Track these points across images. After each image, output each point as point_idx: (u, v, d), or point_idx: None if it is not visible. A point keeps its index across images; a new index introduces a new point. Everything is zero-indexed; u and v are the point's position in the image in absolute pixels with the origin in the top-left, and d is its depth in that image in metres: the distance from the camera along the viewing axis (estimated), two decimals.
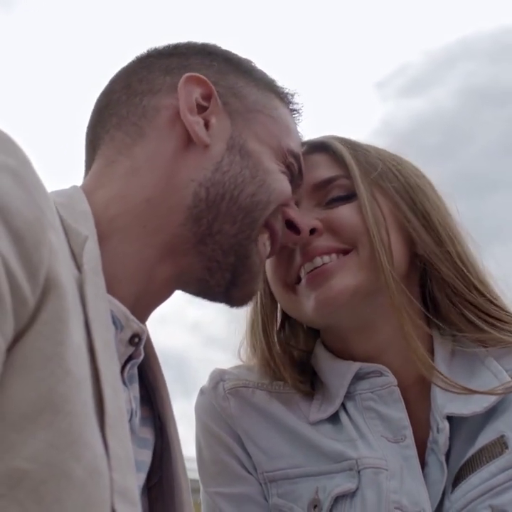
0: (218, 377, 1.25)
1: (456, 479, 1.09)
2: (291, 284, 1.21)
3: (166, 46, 1.09)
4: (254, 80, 1.09)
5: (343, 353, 1.22)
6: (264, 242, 1.04)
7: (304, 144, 1.25)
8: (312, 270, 1.16)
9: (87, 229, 0.83)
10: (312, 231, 1.16)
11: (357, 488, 1.08)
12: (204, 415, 1.24)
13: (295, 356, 1.30)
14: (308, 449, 1.16)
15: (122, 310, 0.86)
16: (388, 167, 1.22)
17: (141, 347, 0.91)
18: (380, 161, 1.22)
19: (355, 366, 1.18)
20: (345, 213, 1.18)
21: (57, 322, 0.65)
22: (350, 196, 1.19)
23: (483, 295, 1.17)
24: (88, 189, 0.94)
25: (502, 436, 1.08)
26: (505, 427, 1.09)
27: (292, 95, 1.15)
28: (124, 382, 0.88)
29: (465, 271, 1.17)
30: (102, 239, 0.85)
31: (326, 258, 1.16)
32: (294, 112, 1.15)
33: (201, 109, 1.00)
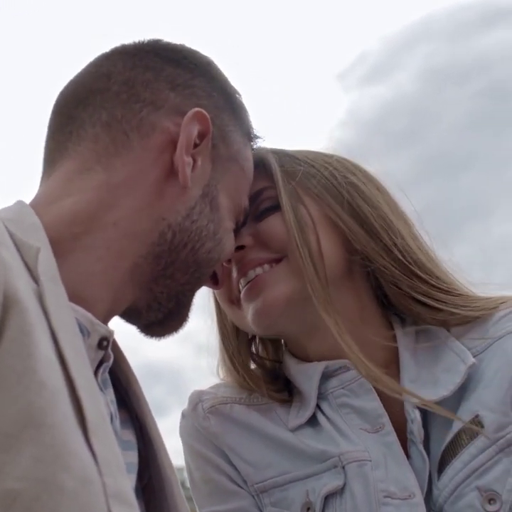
0: (196, 399, 1.27)
1: (440, 466, 1.10)
2: (236, 300, 1.22)
3: (175, 50, 1.03)
4: (239, 123, 1.08)
5: (306, 357, 1.24)
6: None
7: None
8: (247, 284, 1.19)
9: (39, 241, 0.81)
10: (240, 248, 1.18)
11: (344, 484, 1.10)
12: (188, 438, 1.26)
13: (268, 367, 1.32)
14: (293, 454, 1.17)
15: (86, 316, 0.85)
16: (315, 168, 1.23)
17: (109, 350, 0.89)
18: (306, 163, 1.23)
19: (321, 366, 1.19)
20: (272, 223, 1.19)
21: (23, 337, 0.65)
22: (277, 206, 1.20)
23: (425, 281, 1.18)
24: (50, 197, 0.91)
25: (476, 416, 1.09)
26: (477, 406, 1.10)
27: (258, 137, 1.16)
28: (100, 387, 0.87)
29: (403, 260, 1.18)
30: (61, 253, 0.83)
31: (259, 270, 1.18)
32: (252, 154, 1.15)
33: (193, 147, 0.97)
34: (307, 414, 1.19)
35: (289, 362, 1.26)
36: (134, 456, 0.92)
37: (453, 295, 1.19)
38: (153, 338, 1.07)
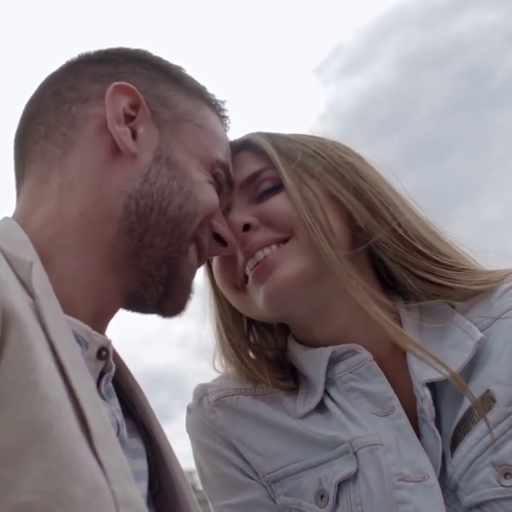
0: (201, 393, 1.26)
1: (453, 443, 1.09)
2: (241, 285, 1.21)
3: (97, 52, 1.07)
4: (184, 89, 1.08)
5: (313, 342, 1.23)
6: (193, 252, 1.05)
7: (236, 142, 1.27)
8: (255, 265, 1.17)
9: (29, 254, 0.82)
10: (247, 227, 1.17)
11: (357, 470, 1.09)
12: (196, 432, 1.25)
13: (270, 356, 1.31)
14: (303, 442, 1.16)
15: (83, 327, 0.86)
16: (311, 149, 1.23)
17: (111, 359, 0.91)
18: (302, 145, 1.23)
19: (328, 351, 1.18)
20: (277, 203, 1.19)
21: (23, 351, 0.66)
22: (278, 186, 1.20)
23: (427, 257, 1.18)
24: (24, 213, 0.94)
25: (488, 391, 1.08)
26: (488, 381, 1.09)
27: (222, 102, 1.15)
28: (103, 397, 0.88)
29: (404, 236, 1.17)
30: (45, 262, 0.83)
31: (267, 250, 1.17)
32: (224, 119, 1.16)
33: (129, 119, 0.99)
34: (315, 400, 1.18)
35: (294, 349, 1.25)
36: (143, 464, 0.92)
37: (456, 270, 1.18)
38: (174, 315, 1.06)
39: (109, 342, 0.90)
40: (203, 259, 1.09)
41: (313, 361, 1.20)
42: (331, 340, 1.20)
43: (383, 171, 1.27)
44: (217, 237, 1.11)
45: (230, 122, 1.17)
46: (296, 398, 1.22)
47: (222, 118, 1.15)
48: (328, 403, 1.18)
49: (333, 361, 1.19)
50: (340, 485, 1.09)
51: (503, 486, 1.02)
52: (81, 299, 0.90)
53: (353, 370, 1.17)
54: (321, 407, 1.19)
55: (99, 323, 0.94)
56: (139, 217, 0.96)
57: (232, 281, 1.22)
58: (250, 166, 1.23)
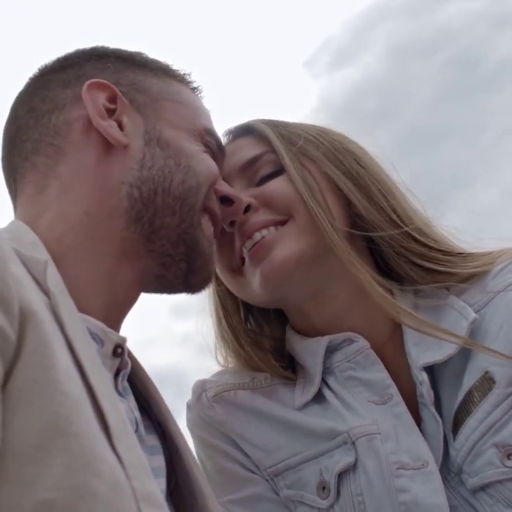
0: (200, 389, 1.25)
1: (455, 426, 1.08)
2: (237, 268, 1.21)
3: (57, 60, 1.07)
4: (151, 71, 1.09)
5: (310, 331, 1.22)
6: (207, 224, 1.05)
7: (228, 130, 1.29)
8: (253, 246, 1.17)
9: (43, 255, 0.83)
10: (247, 208, 1.17)
11: (356, 460, 1.08)
12: (196, 429, 1.24)
13: (267, 346, 1.30)
14: (302, 434, 1.15)
15: (98, 325, 0.87)
16: (312, 136, 1.23)
17: (126, 357, 0.91)
18: (303, 131, 1.24)
19: (325, 340, 1.18)
20: (277, 185, 1.19)
21: (42, 348, 0.66)
22: (279, 170, 1.20)
23: (423, 244, 1.17)
24: (28, 220, 0.94)
25: (486, 373, 1.07)
26: (486, 362, 1.08)
27: (189, 74, 1.15)
28: (121, 394, 0.89)
29: (400, 223, 1.17)
30: (56, 262, 0.84)
31: (265, 231, 1.17)
32: (196, 90, 1.16)
33: (110, 112, 1.00)
34: (313, 390, 1.18)
35: (292, 338, 1.25)
36: (161, 461, 0.93)
37: (451, 255, 1.18)
38: (201, 289, 1.07)
39: (124, 339, 0.91)
40: (218, 227, 1.10)
41: (310, 350, 1.20)
42: (327, 326, 1.19)
43: (382, 160, 1.27)
44: (224, 200, 1.12)
45: (202, 91, 1.17)
46: (294, 390, 1.21)
47: (194, 89, 1.15)
48: (327, 393, 1.17)
49: (330, 350, 1.18)
50: (341, 475, 1.09)
51: (506, 466, 1.01)
52: (94, 296, 0.91)
53: (350, 359, 1.17)
54: (319, 398, 1.18)
55: (115, 318, 0.95)
56: (145, 202, 0.96)
57: (229, 264, 1.22)
58: (251, 150, 1.23)
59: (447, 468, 1.08)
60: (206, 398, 1.23)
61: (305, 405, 1.18)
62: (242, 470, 1.19)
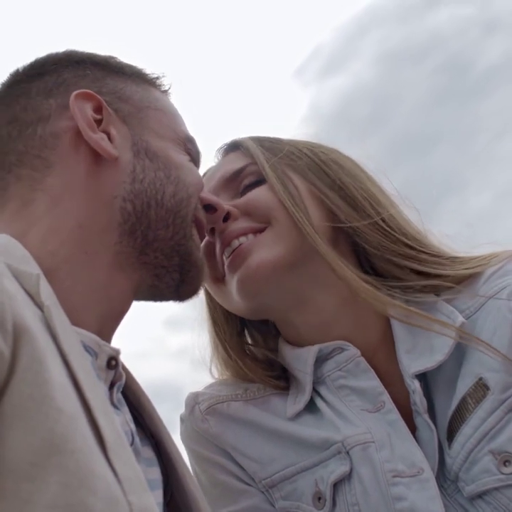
0: (193, 402, 1.24)
1: (450, 433, 1.07)
2: (221, 277, 1.21)
3: (31, 67, 1.05)
4: (129, 77, 1.08)
5: (300, 341, 1.21)
6: (196, 234, 1.05)
7: (219, 148, 1.32)
8: (231, 254, 1.17)
9: (35, 269, 0.82)
10: (227, 217, 1.18)
11: (351, 469, 1.07)
12: (190, 442, 1.24)
13: (261, 356, 1.30)
14: (296, 444, 1.15)
15: (92, 337, 0.86)
16: (296, 148, 1.25)
17: (120, 369, 0.90)
18: (287, 144, 1.25)
19: (315, 349, 1.17)
20: (256, 193, 1.20)
21: (36, 364, 0.65)
22: (261, 180, 1.21)
23: (412, 247, 1.17)
24: (15, 235, 0.91)
25: (480, 379, 1.06)
26: (480, 368, 1.07)
27: (161, 77, 1.14)
28: (116, 406, 0.88)
29: (389, 230, 1.17)
30: (48, 276, 0.83)
31: (243, 239, 1.17)
32: (168, 94, 1.14)
33: (97, 123, 0.98)
34: (304, 399, 1.17)
35: (283, 349, 1.24)
36: (157, 473, 0.92)
37: (441, 258, 1.17)
38: (191, 297, 1.07)
39: (118, 351, 0.90)
40: (202, 234, 1.10)
41: (300, 360, 1.19)
42: (316, 336, 1.18)
43: (370, 169, 1.27)
44: (206, 207, 1.12)
45: (171, 93, 1.16)
46: (287, 399, 1.21)
47: (164, 92, 1.14)
48: (319, 403, 1.17)
49: (321, 360, 1.18)
50: (336, 485, 1.08)
51: (503, 473, 1.00)
52: (87, 308, 0.90)
53: (341, 368, 1.16)
54: (312, 408, 1.18)
55: (108, 329, 0.94)
56: (139, 216, 0.96)
57: (213, 273, 1.22)
58: (236, 163, 1.25)
59: (443, 476, 1.07)
60: (199, 411, 1.22)
61: (299, 416, 1.17)
62: (237, 482, 1.18)
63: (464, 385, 1.08)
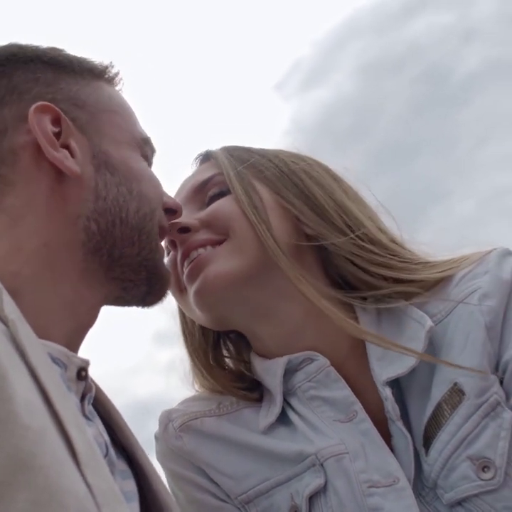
0: (166, 419, 1.23)
1: (426, 440, 1.06)
2: (183, 288, 1.20)
3: None
4: (80, 75, 1.02)
5: (268, 353, 1.20)
6: (161, 243, 1.04)
7: (194, 159, 1.31)
8: (189, 265, 1.17)
9: None
10: (184, 230, 1.17)
11: (326, 482, 1.06)
12: (165, 460, 1.22)
13: (234, 368, 1.30)
14: (270, 458, 1.13)
15: (59, 349, 0.84)
16: (265, 157, 1.24)
17: (90, 380, 0.88)
18: (256, 153, 1.24)
19: (283, 360, 1.16)
20: (219, 204, 1.19)
21: None
22: (226, 191, 1.20)
23: (381, 255, 1.15)
24: None
25: (455, 384, 1.05)
26: (454, 374, 1.06)
27: (109, 68, 1.07)
28: (88, 418, 0.86)
29: (357, 240, 1.15)
30: (13, 295, 0.80)
31: (201, 250, 1.16)
32: (115, 84, 1.09)
33: (56, 136, 0.93)
34: (276, 411, 1.16)
35: (254, 361, 1.23)
36: (132, 485, 0.90)
37: (411, 263, 1.16)
38: (156, 304, 1.06)
39: (87, 362, 0.88)
40: (163, 239, 1.09)
41: (270, 372, 1.18)
42: (282, 347, 1.17)
43: (347, 179, 1.26)
44: (167, 211, 1.09)
45: (122, 82, 1.10)
46: (260, 413, 1.19)
47: (111, 82, 1.08)
48: (291, 415, 1.15)
49: (291, 371, 1.16)
50: (312, 499, 1.06)
51: (482, 479, 0.99)
52: (54, 325, 0.87)
53: (311, 379, 1.14)
54: (285, 420, 1.16)
55: (76, 341, 0.93)
56: (103, 235, 0.93)
57: (178, 284, 1.21)
58: (203, 173, 1.24)
59: (422, 484, 1.05)
60: (173, 428, 1.20)
61: (272, 429, 1.16)
62: (213, 500, 1.16)
63: (438, 391, 1.07)
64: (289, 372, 1.16)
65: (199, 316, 1.20)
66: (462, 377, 1.05)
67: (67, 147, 0.94)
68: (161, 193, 1.05)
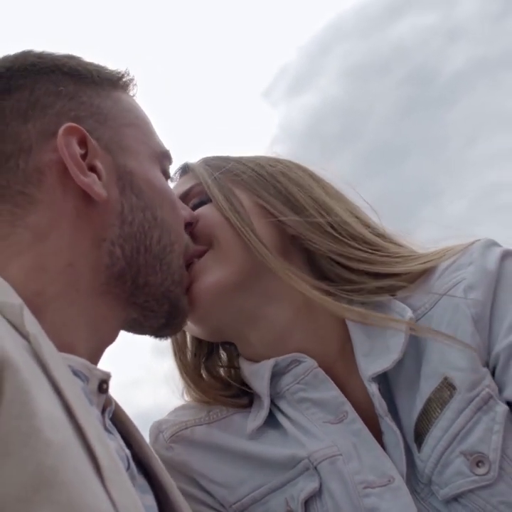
0: (156, 430, 1.22)
1: (418, 436, 1.05)
2: None
3: None
4: (100, 86, 1.00)
5: (258, 357, 1.19)
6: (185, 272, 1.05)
7: (175, 172, 1.29)
8: None
9: (16, 300, 0.78)
10: None
11: (321, 485, 1.05)
12: None
13: (222, 375, 1.29)
14: (263, 465, 1.12)
15: (81, 361, 0.84)
16: (241, 163, 1.24)
17: (109, 394, 0.88)
18: (232, 160, 1.24)
19: (270, 363, 1.15)
20: (199, 213, 1.18)
21: (21, 396, 0.63)
22: (206, 200, 1.19)
23: (364, 251, 1.15)
24: None
25: (446, 379, 1.04)
26: (444, 367, 1.05)
27: (125, 75, 1.06)
28: (109, 431, 0.86)
29: (339, 237, 1.15)
30: (35, 313, 0.79)
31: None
32: (131, 91, 1.07)
33: (83, 158, 0.92)
34: (263, 414, 1.15)
35: (243, 366, 1.22)
36: (151, 499, 0.90)
37: (392, 257, 1.15)
38: (168, 337, 1.09)
39: (108, 374, 0.88)
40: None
41: (258, 375, 1.17)
42: (272, 350, 1.16)
43: (328, 178, 1.26)
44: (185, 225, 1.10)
45: (136, 88, 1.07)
46: (249, 417, 1.18)
47: (130, 91, 1.07)
48: (281, 419, 1.14)
49: (279, 374, 1.15)
50: (308, 503, 1.05)
51: (476, 474, 0.98)
52: (77, 342, 0.87)
53: (299, 380, 1.13)
54: (275, 425, 1.15)
55: (96, 356, 0.93)
56: (128, 261, 0.93)
57: None
58: (184, 185, 1.24)
59: (416, 480, 1.05)
60: (164, 439, 1.19)
61: (262, 434, 1.15)
62: (207, 510, 1.15)
63: (428, 386, 1.06)
64: (276, 376, 1.15)
65: (193, 329, 1.20)
66: (452, 371, 1.04)
67: (93, 168, 0.93)
68: (182, 221, 1.05)
